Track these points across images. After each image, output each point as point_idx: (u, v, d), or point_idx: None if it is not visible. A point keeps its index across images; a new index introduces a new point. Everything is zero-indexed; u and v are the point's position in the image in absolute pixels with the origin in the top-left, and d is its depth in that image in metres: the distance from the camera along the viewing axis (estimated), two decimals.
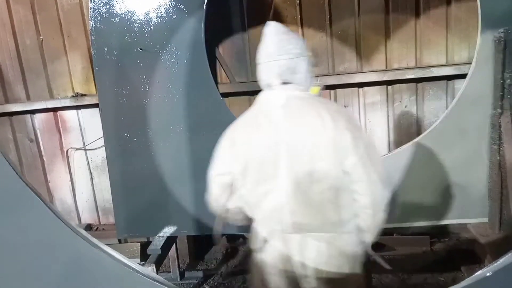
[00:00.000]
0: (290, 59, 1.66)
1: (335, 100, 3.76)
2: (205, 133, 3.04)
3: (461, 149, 2.89)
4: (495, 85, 2.81)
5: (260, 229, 1.79)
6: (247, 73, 3.83)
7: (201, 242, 4.03)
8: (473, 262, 3.27)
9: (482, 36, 2.79)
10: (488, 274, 0.86)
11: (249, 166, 1.69)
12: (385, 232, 3.54)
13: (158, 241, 3.16)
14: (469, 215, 3.04)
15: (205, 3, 2.91)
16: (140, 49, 2.93)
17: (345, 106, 3.75)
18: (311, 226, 1.69)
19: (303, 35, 3.69)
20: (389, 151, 3.72)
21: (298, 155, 1.63)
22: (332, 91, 3.73)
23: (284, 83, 1.67)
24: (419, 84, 3.64)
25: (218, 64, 3.85)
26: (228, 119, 3.02)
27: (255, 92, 3.75)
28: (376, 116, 3.75)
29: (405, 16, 3.58)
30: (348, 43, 3.66)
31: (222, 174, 1.79)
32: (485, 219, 3.00)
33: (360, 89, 3.71)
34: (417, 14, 3.57)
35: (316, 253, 1.70)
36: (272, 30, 1.72)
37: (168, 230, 3.21)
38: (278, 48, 1.67)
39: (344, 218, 1.69)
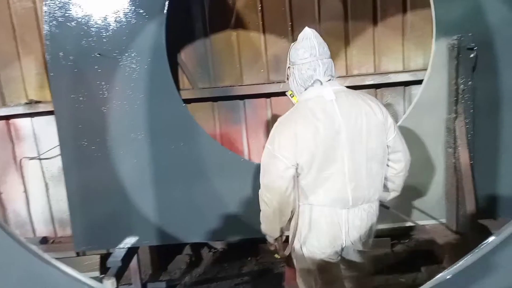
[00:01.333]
0: (328, 59, 2.00)
1: None
2: (167, 140, 2.99)
3: (418, 152, 2.97)
4: (449, 91, 2.92)
5: (313, 211, 2.01)
6: (209, 79, 3.80)
7: (164, 252, 3.93)
8: (432, 263, 3.38)
9: (436, 43, 2.90)
10: (448, 277, 0.87)
11: (315, 155, 1.89)
12: None
13: (118, 253, 3.05)
14: (428, 216, 3.13)
15: (166, 8, 2.85)
16: (98, 54, 2.83)
17: None
18: (364, 198, 2.00)
19: (265, 41, 3.71)
20: None
21: (356, 139, 1.92)
22: None
23: (329, 79, 1.98)
24: (378, 90, 3.74)
25: (180, 70, 3.80)
26: (190, 126, 3.02)
27: (218, 98, 3.79)
28: None
29: (363, 24, 3.68)
30: None
31: (291, 167, 1.93)
32: (443, 220, 3.10)
33: None
34: (375, 22, 3.67)
35: (360, 222, 2.03)
36: (312, 34, 1.99)
37: (129, 241, 3.11)
38: (321, 49, 1.97)
39: (381, 186, 2.07)
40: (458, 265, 0.88)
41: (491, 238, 0.90)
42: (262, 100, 3.79)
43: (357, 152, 1.93)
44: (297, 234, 2.10)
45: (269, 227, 2.17)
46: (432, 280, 0.90)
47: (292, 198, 2.00)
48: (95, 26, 2.82)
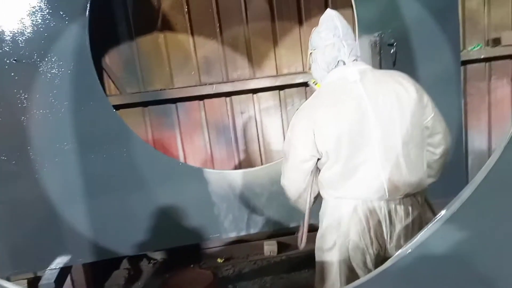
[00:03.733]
0: (353, 41, 1.88)
1: (231, 107, 3.79)
2: (98, 149, 2.81)
3: None
4: None
5: (346, 206, 1.79)
6: (138, 83, 3.66)
7: (99, 268, 3.70)
8: None
9: (359, 40, 3.04)
10: (408, 251, 0.91)
11: (341, 142, 1.73)
12: (290, 232, 3.71)
13: (50, 274, 2.81)
14: None
15: (87, 9, 2.69)
16: (14, 60, 2.59)
17: (241, 113, 3.81)
18: (405, 188, 1.76)
19: (194, 43, 3.66)
20: None
21: (386, 120, 1.73)
22: (227, 98, 3.76)
23: (354, 60, 1.85)
24: (307, 88, 3.85)
25: (105, 75, 3.61)
26: (123, 132, 2.88)
27: (149, 102, 3.66)
28: (271, 121, 3.87)
29: (290, 24, 3.77)
30: (239, 50, 3.73)
31: (307, 160, 1.81)
32: None
33: (255, 95, 3.80)
34: (300, 22, 3.78)
35: (405, 216, 1.78)
36: (334, 15, 1.89)
37: (61, 261, 2.88)
38: (345, 30, 1.86)
39: (424, 175, 1.83)
40: (416, 239, 0.93)
41: (443, 212, 0.96)
42: (195, 102, 3.73)
43: (389, 135, 1.73)
44: (324, 232, 1.91)
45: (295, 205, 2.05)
46: (394, 256, 0.94)
47: (310, 191, 1.89)
48: (10, 30, 2.58)
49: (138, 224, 2.97)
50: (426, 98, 1.82)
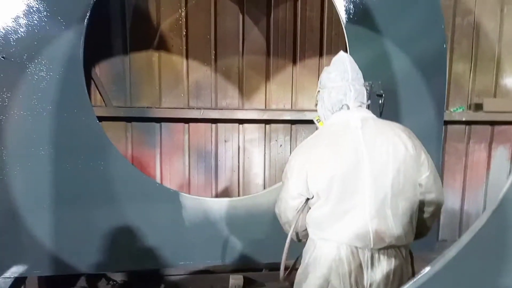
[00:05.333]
0: (361, 86, 1.90)
1: (216, 134, 3.77)
2: (74, 159, 2.73)
3: None
4: None
5: (329, 248, 1.79)
6: (125, 98, 3.62)
7: (55, 284, 3.51)
8: None
9: None
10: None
11: (334, 184, 1.73)
12: (255, 268, 3.64)
13: (3, 283, 2.66)
14: None
15: (86, 18, 2.68)
16: (3, 57, 2.53)
17: (225, 141, 3.79)
18: (390, 240, 1.76)
19: (187, 66, 3.67)
20: (265, 187, 3.84)
21: (380, 171, 1.74)
22: (213, 125, 3.75)
23: (359, 106, 1.86)
24: (293, 126, 3.89)
25: (93, 85, 3.57)
26: (103, 145, 2.81)
27: (133, 118, 3.61)
28: (254, 153, 3.86)
29: (284, 62, 3.84)
30: (231, 79, 3.76)
31: (295, 198, 1.82)
32: None
33: (241, 125, 3.80)
34: (294, 62, 3.86)
35: (387, 266, 1.78)
36: (346, 58, 1.92)
37: (16, 270, 2.72)
38: (354, 75, 1.88)
39: (411, 230, 1.82)
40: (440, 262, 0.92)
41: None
42: (180, 125, 3.70)
43: (380, 186, 1.73)
44: (304, 270, 1.89)
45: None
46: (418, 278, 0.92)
47: (293, 226, 1.88)
48: (3, 26, 2.53)
49: (103, 242, 2.85)
50: (423, 156, 1.82)
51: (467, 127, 4.08)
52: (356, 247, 1.77)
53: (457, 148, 4.11)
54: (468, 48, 4.00)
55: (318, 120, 2.05)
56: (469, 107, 4.09)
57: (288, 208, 1.88)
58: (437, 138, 3.26)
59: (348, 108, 1.86)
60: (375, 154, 1.75)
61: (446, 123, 3.88)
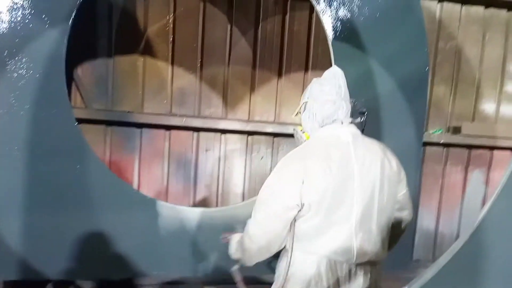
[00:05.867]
0: (349, 103, 1.90)
1: (197, 142, 3.73)
2: (49, 160, 2.66)
3: None
4: None
5: (309, 263, 1.77)
6: (107, 101, 3.56)
7: None
8: None
9: None
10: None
11: (325, 196, 1.72)
12: (229, 281, 3.57)
13: None
14: None
15: (72, 18, 2.64)
16: None
17: (206, 150, 3.76)
18: (371, 255, 1.77)
19: (172, 72, 3.65)
20: (243, 199, 3.81)
21: (368, 187, 1.76)
22: (195, 133, 3.71)
23: (349, 122, 1.87)
24: (275, 138, 3.88)
25: (74, 86, 3.50)
26: (80, 147, 2.74)
27: (113, 122, 3.54)
28: (234, 163, 3.84)
29: (269, 74, 3.85)
30: (216, 89, 3.75)
31: (292, 208, 1.74)
32: None
33: (223, 135, 3.78)
34: (280, 75, 3.87)
35: (363, 281, 1.79)
36: (340, 74, 1.91)
37: None
38: (346, 92, 1.88)
39: (386, 246, 1.85)
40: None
41: None
42: (161, 131, 3.65)
43: (368, 201, 1.75)
44: (281, 286, 1.83)
45: (246, 258, 1.91)
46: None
47: (280, 243, 1.79)
48: None
49: (74, 247, 2.79)
50: (403, 174, 1.88)
51: (445, 149, 4.14)
52: (335, 262, 1.76)
53: (434, 169, 4.17)
54: (450, 72, 4.09)
55: (303, 131, 1.98)
56: (448, 130, 4.16)
57: (281, 223, 1.75)
58: (416, 158, 3.31)
59: (342, 123, 1.85)
60: (365, 170, 1.76)
61: (425, 144, 3.94)
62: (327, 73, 1.94)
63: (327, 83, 1.89)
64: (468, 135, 4.03)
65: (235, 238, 1.98)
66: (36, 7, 2.56)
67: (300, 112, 1.96)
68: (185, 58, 3.67)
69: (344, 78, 1.91)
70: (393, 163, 1.84)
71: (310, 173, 1.73)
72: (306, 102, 1.93)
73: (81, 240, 2.78)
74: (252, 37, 3.77)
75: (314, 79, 1.98)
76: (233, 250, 1.97)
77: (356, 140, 1.81)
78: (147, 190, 3.66)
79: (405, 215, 1.93)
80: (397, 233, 1.94)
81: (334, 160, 1.75)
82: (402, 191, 1.88)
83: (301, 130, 1.98)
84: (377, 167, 1.78)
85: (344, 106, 1.85)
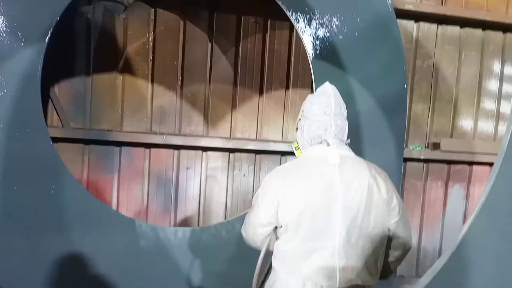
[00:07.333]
0: (343, 121, 1.86)
1: (178, 160, 3.69)
2: (23, 180, 2.58)
3: None
4: None
5: (294, 284, 1.76)
6: (84, 120, 3.49)
7: None
8: None
9: None
10: None
11: (303, 219, 1.71)
12: None
13: None
14: None
15: (48, 36, 2.60)
16: None
17: (187, 168, 3.71)
18: (355, 280, 1.74)
19: (152, 91, 3.62)
20: (226, 217, 3.76)
21: (352, 212, 1.72)
22: (176, 151, 3.67)
23: (339, 142, 1.82)
24: (257, 155, 3.86)
25: (50, 105, 3.43)
26: (56, 168, 2.67)
27: (91, 141, 3.47)
28: (216, 181, 3.79)
29: (250, 92, 3.85)
30: (197, 107, 3.72)
31: (264, 225, 1.79)
32: None
33: (204, 153, 3.74)
34: (261, 93, 3.88)
35: None
36: (331, 91, 1.86)
37: None
38: (337, 110, 1.83)
39: (376, 271, 1.83)
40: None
41: None
42: (141, 150, 3.59)
43: (350, 227, 1.72)
44: None
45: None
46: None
47: (264, 249, 1.86)
48: None
49: (50, 271, 2.69)
50: (395, 202, 1.81)
51: (425, 164, 4.18)
52: (322, 286, 1.74)
53: (415, 185, 4.20)
54: (427, 90, 4.16)
55: (297, 148, 2.00)
56: (427, 146, 4.21)
57: (256, 234, 1.85)
58: (397, 174, 3.31)
59: (328, 144, 1.81)
60: (349, 194, 1.73)
61: (406, 160, 3.97)
62: (318, 90, 1.93)
63: (316, 102, 1.87)
64: (447, 151, 4.09)
65: None
66: (11, 25, 2.51)
67: (297, 129, 1.98)
68: (165, 76, 3.64)
69: (337, 95, 1.88)
70: (383, 189, 1.77)
71: (288, 193, 1.73)
72: (299, 120, 1.94)
73: (58, 263, 2.69)
74: (233, 56, 3.77)
75: (309, 95, 1.98)
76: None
77: (344, 162, 1.77)
78: (126, 210, 3.58)
79: (399, 243, 1.87)
80: (392, 261, 1.92)
81: (316, 183, 1.73)
82: (394, 218, 1.80)
83: (296, 147, 2.01)
84: (363, 192, 1.73)
85: (332, 126, 1.81)
